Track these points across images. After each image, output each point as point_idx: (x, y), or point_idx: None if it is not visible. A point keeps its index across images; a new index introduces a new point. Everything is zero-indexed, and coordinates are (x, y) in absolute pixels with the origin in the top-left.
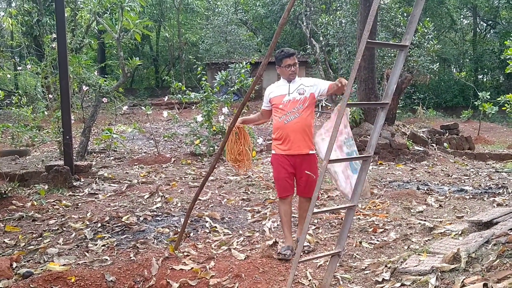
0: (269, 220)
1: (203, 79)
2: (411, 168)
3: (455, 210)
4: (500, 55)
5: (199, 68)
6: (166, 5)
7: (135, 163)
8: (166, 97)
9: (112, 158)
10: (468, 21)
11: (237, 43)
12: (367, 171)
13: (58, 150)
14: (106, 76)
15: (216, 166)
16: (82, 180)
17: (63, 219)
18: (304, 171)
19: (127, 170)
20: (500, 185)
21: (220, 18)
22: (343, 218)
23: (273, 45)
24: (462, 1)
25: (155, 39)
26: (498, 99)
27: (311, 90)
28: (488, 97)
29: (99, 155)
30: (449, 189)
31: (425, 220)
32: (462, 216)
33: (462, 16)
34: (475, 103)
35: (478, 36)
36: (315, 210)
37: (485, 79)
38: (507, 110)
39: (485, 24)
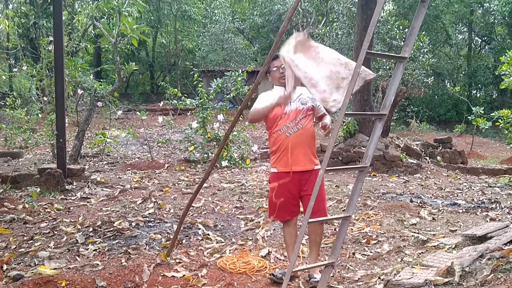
0: (262, 228)
1: (199, 85)
2: (405, 180)
3: (448, 224)
4: (494, 71)
5: (195, 75)
6: (164, 11)
7: (128, 168)
8: (161, 103)
9: (105, 162)
10: (463, 36)
11: (233, 51)
12: (363, 182)
13: (51, 153)
14: (101, 80)
15: (210, 172)
16: (75, 183)
17: (54, 223)
18: (311, 189)
19: (120, 175)
20: (493, 200)
21: (217, 26)
22: (336, 229)
23: (272, 53)
24: (458, 16)
25: (152, 45)
26: (492, 114)
27: (312, 103)
28: (482, 112)
29: (92, 159)
30: (442, 202)
31: (418, 233)
32: (456, 230)
33: (457, 31)
34: (468, 117)
35: (473, 52)
36: (310, 220)
37: (478, 95)
38: (500, 125)
39: (480, 40)
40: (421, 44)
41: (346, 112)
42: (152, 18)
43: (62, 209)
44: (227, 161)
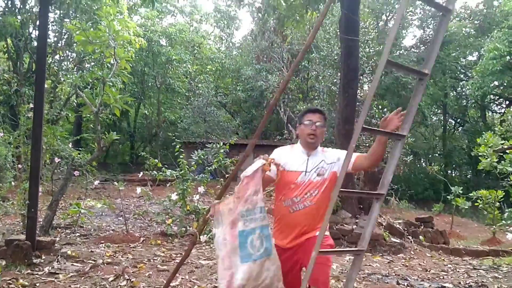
0: None
1: (181, 156)
2: (389, 260)
3: None
4: (469, 152)
5: (177, 146)
6: (148, 83)
7: (102, 241)
8: (141, 173)
9: (77, 234)
10: (438, 118)
11: (215, 124)
12: (359, 267)
13: (21, 223)
14: (80, 149)
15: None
16: (44, 257)
17: None
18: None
19: (93, 249)
20: (480, 284)
21: (200, 99)
22: None
23: (262, 126)
24: (433, 98)
25: (134, 115)
26: (470, 194)
27: (332, 168)
28: (461, 192)
29: (65, 230)
30: (429, 285)
31: None
32: None
33: (432, 112)
34: (447, 197)
35: (448, 133)
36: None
37: (453, 174)
38: (479, 206)
39: (454, 122)
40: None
41: (341, 189)
42: (135, 89)
43: (28, 285)
44: (206, 235)
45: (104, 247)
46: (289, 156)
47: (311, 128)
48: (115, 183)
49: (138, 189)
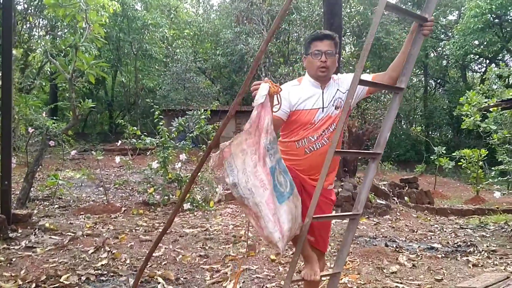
0: (230, 281)
1: (160, 123)
2: (375, 222)
3: (431, 271)
4: (450, 112)
5: (156, 112)
6: (124, 50)
7: (81, 213)
8: (119, 142)
9: (56, 206)
10: (418, 79)
11: (195, 90)
12: (354, 232)
13: None
14: (54, 118)
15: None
16: (20, 231)
17: None
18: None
19: (72, 220)
20: (468, 243)
21: (178, 65)
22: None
23: (245, 86)
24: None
25: (111, 84)
26: (453, 154)
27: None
28: (444, 152)
29: (43, 202)
30: (418, 246)
31: (401, 283)
32: (441, 279)
33: (413, 73)
34: (430, 157)
35: (428, 94)
36: (295, 277)
37: (434, 135)
38: (463, 165)
39: (434, 83)
40: None
41: (337, 150)
42: (111, 57)
43: (3, 261)
44: (189, 203)
45: (84, 219)
46: (301, 93)
47: (321, 60)
48: (94, 153)
49: (117, 158)
